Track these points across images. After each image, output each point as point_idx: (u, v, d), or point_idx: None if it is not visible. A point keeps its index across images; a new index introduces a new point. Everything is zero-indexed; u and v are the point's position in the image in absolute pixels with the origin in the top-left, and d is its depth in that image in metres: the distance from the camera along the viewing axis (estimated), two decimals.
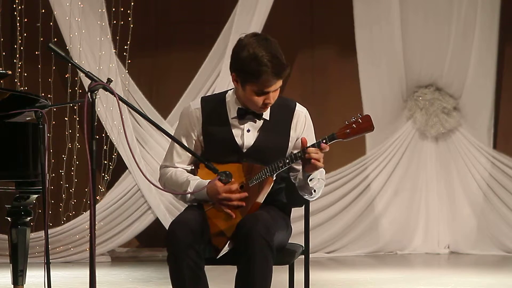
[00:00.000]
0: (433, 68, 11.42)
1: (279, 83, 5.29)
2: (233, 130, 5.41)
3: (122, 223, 11.27)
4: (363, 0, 11.36)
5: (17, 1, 11.50)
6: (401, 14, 11.35)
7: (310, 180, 5.29)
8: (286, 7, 11.29)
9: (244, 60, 5.24)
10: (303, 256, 5.59)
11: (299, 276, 5.49)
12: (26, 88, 11.21)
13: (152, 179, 5.58)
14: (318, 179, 5.35)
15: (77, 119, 11.48)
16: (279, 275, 5.28)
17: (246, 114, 5.40)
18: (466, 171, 11.42)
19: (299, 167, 5.31)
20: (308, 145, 5.21)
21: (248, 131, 5.40)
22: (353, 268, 10.23)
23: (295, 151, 5.31)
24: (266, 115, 5.40)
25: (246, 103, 5.36)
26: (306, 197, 5.42)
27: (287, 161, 5.23)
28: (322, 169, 5.33)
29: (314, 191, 5.36)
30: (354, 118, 5.24)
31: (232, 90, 5.49)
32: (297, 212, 5.63)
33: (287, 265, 5.44)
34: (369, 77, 11.41)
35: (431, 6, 11.38)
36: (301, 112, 5.49)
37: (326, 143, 5.21)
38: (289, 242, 5.53)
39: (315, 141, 5.31)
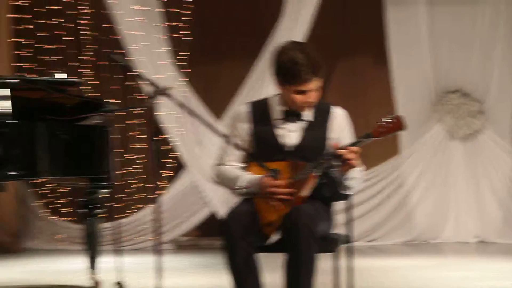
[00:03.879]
0: (460, 75, 11.37)
1: (317, 82, 5.32)
2: (277, 131, 5.44)
3: (183, 215, 11.31)
4: (395, 13, 11.32)
5: (84, 17, 11.57)
6: (429, 25, 11.31)
7: (348, 178, 5.29)
8: (325, 20, 11.25)
9: (284, 63, 5.29)
10: (346, 245, 5.59)
11: (342, 263, 5.48)
12: (96, 94, 11.25)
13: (207, 175, 5.58)
14: (356, 178, 5.37)
15: (140, 122, 11.53)
16: (324, 262, 5.26)
17: (290, 116, 5.43)
18: (491, 168, 11.35)
19: (338, 164, 5.30)
20: (342, 146, 5.24)
21: (292, 131, 5.42)
22: (391, 255, 10.21)
23: (334, 150, 5.32)
24: (308, 116, 5.43)
25: (289, 103, 5.39)
26: (343, 192, 5.41)
27: (328, 158, 5.25)
28: (361, 168, 5.36)
29: (350, 188, 5.37)
30: (388, 118, 5.25)
31: (277, 95, 5.50)
32: (340, 205, 5.61)
33: (332, 253, 5.42)
34: (402, 83, 11.38)
35: (457, 16, 11.33)
36: (339, 114, 5.52)
37: (362, 141, 5.23)
38: (333, 232, 5.52)
39: (352, 140, 5.32)
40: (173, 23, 11.46)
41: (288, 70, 5.29)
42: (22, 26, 11.60)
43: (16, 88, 6.92)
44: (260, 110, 5.52)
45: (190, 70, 11.49)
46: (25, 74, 10.99)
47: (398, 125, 5.25)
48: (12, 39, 11.38)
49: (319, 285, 5.22)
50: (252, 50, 11.38)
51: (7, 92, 6.75)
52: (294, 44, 5.39)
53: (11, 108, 6.72)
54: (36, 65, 11.59)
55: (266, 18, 11.44)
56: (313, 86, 5.32)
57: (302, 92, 5.31)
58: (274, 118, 5.46)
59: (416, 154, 11.36)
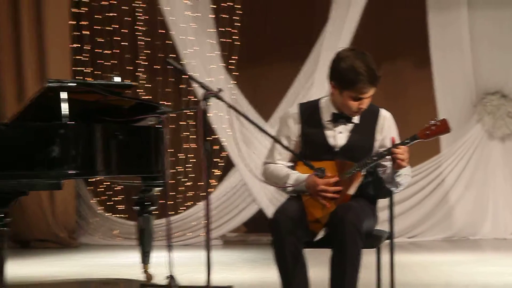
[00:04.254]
0: (499, 77, 11.30)
1: (373, 90, 5.33)
2: (327, 132, 5.45)
3: (231, 212, 11.33)
4: (437, 16, 11.29)
5: (139, 23, 11.62)
6: (470, 29, 11.27)
7: (398, 175, 5.29)
8: (369, 23, 11.24)
9: (343, 70, 5.28)
10: (388, 241, 5.59)
11: (385, 258, 5.47)
12: (150, 97, 11.31)
13: (255, 174, 5.59)
14: (405, 175, 5.36)
15: (192, 123, 11.56)
16: (368, 257, 5.26)
17: (340, 118, 5.43)
18: None
19: (386, 163, 5.31)
20: (394, 145, 5.23)
21: (340, 133, 5.43)
22: (431, 251, 10.17)
23: (381, 150, 5.32)
24: (356, 119, 5.43)
25: (342, 107, 5.38)
26: (392, 189, 5.44)
27: (375, 158, 5.28)
28: (408, 166, 5.34)
29: (400, 185, 5.37)
30: (433, 121, 5.26)
31: (326, 97, 5.50)
32: (382, 203, 5.62)
33: (375, 248, 5.42)
34: (443, 84, 11.34)
35: (497, 20, 11.28)
36: (385, 116, 5.52)
37: (409, 142, 5.24)
38: (376, 228, 5.52)
39: (398, 141, 5.33)
40: (223, 29, 11.49)
41: (347, 77, 5.29)
42: (82, 32, 11.68)
43: (74, 91, 6.97)
44: (310, 111, 5.52)
45: (238, 73, 11.51)
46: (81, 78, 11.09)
47: (443, 128, 5.26)
48: (72, 45, 11.44)
49: (362, 280, 5.22)
50: (299, 54, 11.39)
51: (64, 95, 6.80)
52: (355, 53, 5.37)
53: (68, 110, 6.76)
54: (94, 69, 11.67)
55: (313, 23, 11.44)
56: (368, 94, 5.33)
57: (357, 99, 5.32)
58: (323, 120, 5.47)
59: (456, 153, 11.31)
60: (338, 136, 5.43)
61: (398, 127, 5.53)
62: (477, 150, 11.32)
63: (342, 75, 5.31)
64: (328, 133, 5.44)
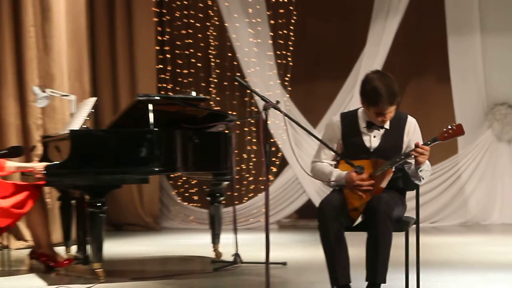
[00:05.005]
0: (506, 90, 11.22)
1: (393, 108, 5.31)
2: (363, 136, 5.44)
3: (285, 201, 11.33)
4: (455, 41, 11.22)
5: (211, 48, 11.67)
6: (483, 51, 11.19)
7: (420, 171, 5.28)
8: (398, 46, 11.21)
9: (368, 91, 5.29)
10: (414, 226, 5.57)
11: (412, 239, 5.46)
12: (219, 108, 11.34)
13: (306, 170, 5.59)
14: (425, 170, 5.33)
15: (254, 129, 11.59)
16: (397, 240, 5.25)
17: (372, 125, 5.42)
18: None
19: (411, 161, 5.30)
20: (418, 145, 5.24)
21: (374, 136, 5.42)
22: (449, 234, 10.10)
23: (408, 150, 5.32)
24: (387, 125, 5.41)
25: (370, 119, 5.38)
26: (416, 182, 5.41)
27: (402, 157, 5.26)
28: (429, 163, 5.33)
29: (422, 178, 5.35)
30: (450, 126, 5.25)
31: (362, 108, 5.50)
32: (410, 194, 5.60)
33: (404, 232, 5.40)
34: (459, 97, 11.26)
35: (505, 44, 11.20)
36: (411, 122, 5.49)
37: (430, 143, 5.21)
38: (404, 215, 5.51)
39: (422, 143, 5.32)
40: (279, 52, 11.50)
41: (370, 97, 5.29)
42: (165, 56, 11.74)
43: (158, 103, 7.02)
44: (350, 119, 5.52)
45: (292, 88, 11.52)
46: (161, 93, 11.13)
47: (459, 131, 5.25)
48: (157, 66, 11.52)
49: (393, 258, 5.20)
50: (341, 72, 11.37)
51: (151, 107, 6.86)
52: (379, 76, 5.34)
53: (153, 119, 6.81)
54: (174, 85, 11.73)
55: (353, 46, 11.41)
56: (388, 111, 5.32)
57: (380, 115, 5.32)
58: (360, 126, 5.46)
59: (470, 154, 11.22)
60: (373, 139, 5.42)
61: (422, 130, 5.53)
62: (488, 151, 11.22)
63: (367, 95, 5.31)
64: (365, 137, 5.44)
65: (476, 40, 11.20)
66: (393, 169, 5.29)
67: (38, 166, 7.02)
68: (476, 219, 11.11)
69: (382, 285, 5.20)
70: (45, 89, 8.23)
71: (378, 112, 5.31)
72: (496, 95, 11.26)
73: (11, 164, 7.24)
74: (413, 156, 5.24)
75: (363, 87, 5.35)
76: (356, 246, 5.39)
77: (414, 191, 5.59)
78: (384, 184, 5.28)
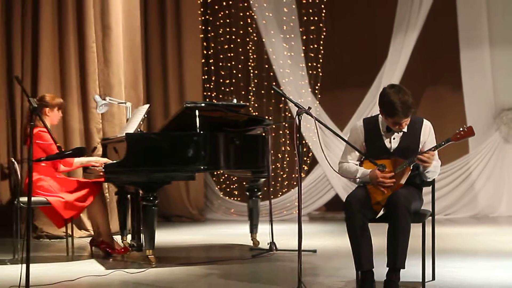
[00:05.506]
0: None
1: (408, 119, 5.29)
2: (384, 139, 5.41)
3: (315, 196, 11.30)
4: (466, 52, 11.13)
5: (250, 60, 11.68)
6: (491, 61, 11.08)
7: (427, 172, 5.31)
8: (416, 56, 11.14)
9: (384, 104, 5.27)
10: (430, 217, 5.53)
11: (428, 230, 5.41)
12: (256, 113, 11.34)
13: (334, 168, 5.57)
14: (432, 171, 5.34)
15: (287, 132, 11.57)
16: (415, 230, 5.21)
17: (391, 129, 5.40)
18: None
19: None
20: (423, 152, 5.26)
21: (394, 139, 5.39)
22: (460, 225, 9.99)
23: (424, 150, 5.29)
24: (404, 128, 5.37)
25: (388, 125, 5.34)
26: (424, 179, 5.41)
27: (418, 157, 5.21)
28: (438, 163, 5.36)
29: (428, 178, 5.36)
30: (462, 128, 5.25)
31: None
32: (426, 189, 5.55)
33: (421, 223, 5.36)
34: (470, 103, 11.14)
35: (511, 57, 11.09)
36: (426, 125, 5.46)
37: (444, 144, 5.19)
38: (421, 208, 5.47)
39: (435, 144, 5.33)
40: (310, 64, 11.48)
41: (387, 110, 5.26)
42: (210, 68, 11.77)
43: (204, 110, 7.03)
44: (372, 124, 5.49)
45: (321, 96, 11.48)
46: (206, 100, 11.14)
47: (470, 132, 5.23)
48: (203, 76, 11.55)
49: (411, 246, 5.17)
50: (365, 81, 11.31)
51: (197, 112, 6.86)
52: (395, 90, 5.27)
53: (199, 123, 6.82)
54: (218, 94, 11.75)
55: (375, 58, 11.35)
56: (404, 121, 5.29)
57: (397, 124, 5.29)
58: (381, 129, 5.43)
59: (480, 154, 11.11)
60: (393, 141, 5.39)
61: (436, 131, 5.49)
62: (495, 151, 11.11)
63: (384, 107, 5.29)
64: (385, 139, 5.41)
65: (485, 51, 11.09)
66: (411, 167, 5.26)
67: (101, 160, 7.25)
68: (485, 212, 10.99)
69: (402, 270, 5.17)
70: (105, 97, 8.27)
71: (394, 122, 5.28)
72: (503, 101, 11.14)
73: (78, 159, 7.31)
74: (418, 162, 5.23)
75: (381, 100, 5.32)
76: (379, 236, 5.36)
77: (430, 186, 5.56)
78: (403, 181, 5.26)
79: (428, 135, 5.43)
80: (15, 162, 7.22)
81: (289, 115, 11.43)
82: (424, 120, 5.49)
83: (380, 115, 5.46)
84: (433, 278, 5.66)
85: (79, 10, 9.35)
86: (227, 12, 11.79)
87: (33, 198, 6.65)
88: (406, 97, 5.22)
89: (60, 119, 7.57)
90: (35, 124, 7.07)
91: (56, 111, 7.40)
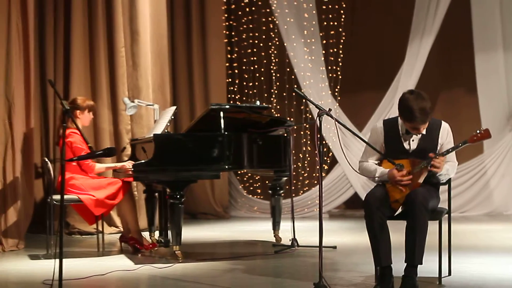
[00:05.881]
0: None
1: (426, 124, 5.26)
2: (403, 140, 5.38)
3: (335, 194, 11.26)
4: (481, 56, 11.06)
5: (273, 64, 11.68)
6: (505, 64, 11.02)
7: (440, 175, 5.30)
8: (432, 60, 11.08)
9: (403, 110, 5.24)
10: (447, 215, 5.50)
11: (444, 227, 5.38)
12: (278, 115, 11.34)
13: (353, 168, 5.56)
14: (444, 174, 5.33)
15: (308, 132, 11.56)
16: (432, 227, 5.18)
17: (410, 132, 5.36)
18: None
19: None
20: (434, 156, 5.21)
21: (413, 140, 5.37)
22: (476, 222, 9.93)
23: (443, 152, 5.26)
24: (423, 130, 5.33)
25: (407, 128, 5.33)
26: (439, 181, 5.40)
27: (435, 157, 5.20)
28: (455, 163, 5.38)
29: (442, 180, 5.36)
30: (478, 130, 5.23)
31: None
32: (443, 187, 5.52)
33: (437, 221, 5.33)
34: (485, 104, 11.07)
35: None
36: (444, 127, 5.42)
37: (461, 145, 5.18)
38: (438, 206, 5.44)
39: (453, 145, 5.30)
40: (330, 67, 11.46)
41: (405, 116, 5.23)
42: (234, 71, 11.78)
43: (228, 111, 7.03)
44: (391, 125, 5.46)
45: (341, 98, 11.46)
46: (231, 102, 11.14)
47: (486, 135, 5.22)
48: (227, 80, 11.56)
49: (428, 243, 5.13)
50: (384, 83, 11.27)
51: (222, 114, 6.87)
52: (413, 97, 5.20)
53: (224, 124, 6.83)
54: (241, 96, 11.76)
55: (392, 62, 11.31)
56: (421, 127, 5.26)
57: (415, 129, 5.27)
58: (400, 131, 5.40)
59: (495, 153, 11.03)
60: (411, 142, 5.36)
61: (454, 133, 5.46)
62: (510, 151, 11.02)
63: (403, 113, 5.25)
64: (404, 140, 5.38)
65: (499, 55, 11.03)
66: (429, 168, 5.23)
67: (118, 165, 7.38)
68: (499, 210, 10.92)
69: (419, 266, 5.14)
70: (133, 100, 8.30)
71: (413, 127, 5.26)
72: None
73: (100, 165, 7.37)
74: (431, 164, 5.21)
75: (400, 105, 5.27)
76: (397, 233, 5.34)
77: (447, 185, 5.53)
78: (421, 180, 5.24)
79: (446, 137, 5.39)
80: (48, 162, 7.26)
81: (310, 116, 11.42)
82: (443, 122, 5.45)
83: (399, 118, 5.44)
84: (449, 274, 5.63)
85: (108, 16, 9.39)
86: (250, 17, 11.80)
87: (65, 196, 6.70)
88: (424, 103, 5.17)
89: (91, 120, 7.61)
90: (67, 125, 7.12)
91: (87, 113, 7.43)
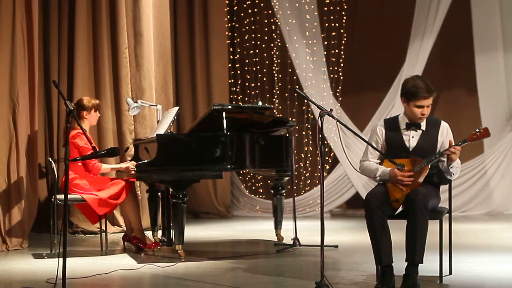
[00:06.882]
0: None
1: (430, 100, 5.29)
2: (403, 137, 5.39)
3: (336, 194, 11.24)
4: (481, 57, 11.06)
5: (274, 64, 11.67)
6: (505, 65, 11.02)
7: (451, 167, 5.22)
8: (433, 61, 11.07)
9: (409, 87, 5.30)
10: (447, 214, 5.49)
11: (445, 226, 5.37)
12: (280, 115, 11.33)
13: (354, 168, 5.55)
14: (456, 167, 5.28)
15: (310, 132, 11.55)
16: (433, 227, 5.16)
17: (411, 125, 5.38)
18: None
19: (444, 159, 5.24)
20: (451, 145, 5.19)
21: (413, 137, 5.37)
22: (475, 222, 9.92)
23: (442, 150, 5.25)
24: (423, 127, 5.37)
25: (410, 116, 5.35)
26: (448, 177, 5.35)
27: (437, 156, 5.22)
28: (459, 161, 5.27)
29: (453, 174, 5.30)
30: (478, 129, 5.23)
31: (401, 113, 5.47)
32: (443, 187, 5.52)
33: (438, 220, 5.32)
34: (485, 105, 11.07)
35: None
36: (444, 126, 5.43)
37: (461, 144, 5.18)
38: (438, 206, 5.43)
39: (453, 144, 5.26)
40: (332, 68, 11.45)
41: (411, 92, 5.28)
42: (236, 72, 11.78)
43: (230, 111, 7.02)
44: (392, 124, 5.47)
45: (342, 98, 11.45)
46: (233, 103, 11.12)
47: (485, 133, 5.21)
48: (229, 80, 11.56)
49: (429, 242, 5.12)
50: (385, 84, 11.26)
51: (224, 114, 6.85)
52: (416, 76, 5.40)
53: (226, 125, 6.82)
54: (243, 97, 11.75)
55: (394, 61, 11.29)
56: (427, 102, 5.29)
57: (420, 107, 5.28)
58: (401, 128, 5.41)
59: (495, 153, 11.02)
60: (411, 139, 5.36)
61: (454, 134, 5.45)
62: (510, 151, 11.01)
63: (408, 91, 5.30)
64: (404, 137, 5.38)
65: (499, 56, 11.03)
66: (429, 166, 5.23)
67: (123, 166, 7.32)
68: (499, 209, 10.90)
69: (420, 265, 5.13)
70: (136, 100, 8.29)
71: (418, 105, 5.28)
72: None
73: (106, 166, 7.36)
74: (446, 155, 5.19)
75: (404, 86, 5.35)
76: (398, 232, 5.32)
77: (447, 185, 5.52)
78: (421, 179, 5.23)
79: (446, 136, 5.39)
80: (52, 162, 7.25)
81: (312, 116, 11.40)
82: (442, 121, 5.47)
83: (399, 116, 5.46)
84: (450, 273, 5.62)
85: (112, 17, 9.39)
86: (252, 19, 11.80)
87: (69, 196, 6.68)
88: (427, 81, 5.31)
89: (98, 119, 7.61)
90: (71, 126, 7.11)
91: (94, 113, 7.43)
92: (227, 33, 11.48)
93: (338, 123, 5.34)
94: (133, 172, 6.85)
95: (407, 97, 5.33)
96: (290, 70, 11.49)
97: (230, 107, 7.06)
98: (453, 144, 5.23)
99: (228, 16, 11.64)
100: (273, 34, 11.67)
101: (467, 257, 6.53)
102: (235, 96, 11.71)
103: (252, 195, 11.61)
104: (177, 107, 7.72)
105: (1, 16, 7.61)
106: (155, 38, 9.87)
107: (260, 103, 7.87)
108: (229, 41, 11.59)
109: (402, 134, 5.39)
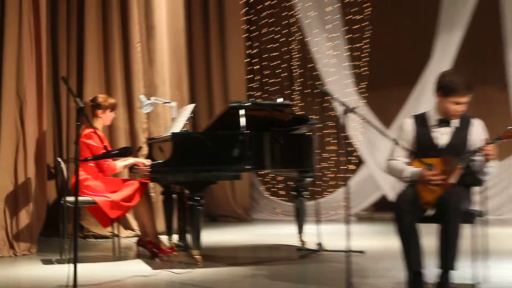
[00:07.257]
0: None
1: (468, 97, 5.26)
2: (433, 134, 5.36)
3: (362, 196, 11.20)
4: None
5: (294, 59, 11.66)
6: None
7: (487, 167, 5.20)
8: (463, 57, 11.01)
9: (448, 82, 5.26)
10: (481, 218, 5.44)
11: (479, 231, 5.32)
12: (303, 112, 11.31)
13: (380, 168, 5.52)
14: (492, 167, 5.25)
15: (333, 131, 11.53)
16: (466, 231, 5.11)
17: (442, 122, 5.36)
18: None
19: (477, 158, 5.19)
20: (485, 144, 5.15)
21: (443, 134, 5.34)
22: (510, 225, 9.86)
23: (474, 148, 5.21)
24: (455, 123, 5.35)
25: (445, 111, 5.33)
26: (482, 178, 5.31)
27: (471, 154, 5.20)
28: (494, 160, 5.22)
29: (488, 174, 5.28)
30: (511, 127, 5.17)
31: (430, 110, 5.45)
32: (477, 189, 5.45)
33: (471, 224, 5.27)
34: None
35: None
36: (477, 123, 5.41)
37: (494, 142, 5.15)
38: (471, 208, 5.38)
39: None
40: (355, 63, 11.43)
41: (448, 88, 5.24)
42: (253, 67, 11.78)
43: (248, 109, 6.99)
44: (420, 120, 5.45)
45: (367, 94, 11.40)
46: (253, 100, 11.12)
47: None
48: (247, 76, 11.56)
49: (462, 247, 5.07)
50: (412, 79, 11.20)
51: (242, 112, 6.83)
52: (454, 71, 5.44)
53: (245, 123, 6.79)
54: (262, 93, 11.74)
55: (422, 55, 11.23)
56: (465, 99, 5.27)
57: (457, 103, 5.25)
58: (430, 124, 5.37)
59: None
60: (441, 136, 5.34)
61: (490, 132, 5.40)
62: None
63: (447, 85, 5.26)
64: (434, 134, 5.36)
65: None
66: (462, 166, 5.16)
67: (139, 161, 7.33)
68: None
69: (453, 272, 5.07)
70: (149, 97, 8.27)
71: (456, 101, 5.25)
72: None
73: (120, 164, 7.32)
74: (481, 154, 5.13)
75: (441, 80, 5.31)
76: (429, 236, 5.27)
77: (480, 186, 5.46)
78: (453, 180, 5.20)
79: (479, 133, 5.36)
80: (61, 162, 7.24)
81: (334, 114, 11.37)
82: (476, 118, 5.45)
83: (428, 111, 5.43)
84: (485, 280, 5.55)
85: (123, 11, 9.40)
86: (270, 11, 11.79)
87: (79, 198, 6.67)
88: (467, 77, 5.28)
89: (112, 119, 7.59)
90: (81, 124, 7.10)
91: (109, 112, 7.42)
92: (244, 26, 11.49)
93: (363, 120, 5.30)
94: (146, 173, 6.82)
95: (444, 92, 5.28)
96: (310, 65, 11.45)
97: (248, 104, 7.02)
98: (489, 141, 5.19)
99: (245, 9, 11.63)
100: (292, 27, 11.65)
101: (504, 263, 6.46)
102: (253, 93, 11.70)
103: (273, 197, 11.61)
104: (194, 104, 7.72)
105: (7, 10, 7.64)
106: (168, 32, 9.88)
107: (280, 100, 7.83)
108: (246, 35, 11.59)
109: (430, 132, 5.37)
